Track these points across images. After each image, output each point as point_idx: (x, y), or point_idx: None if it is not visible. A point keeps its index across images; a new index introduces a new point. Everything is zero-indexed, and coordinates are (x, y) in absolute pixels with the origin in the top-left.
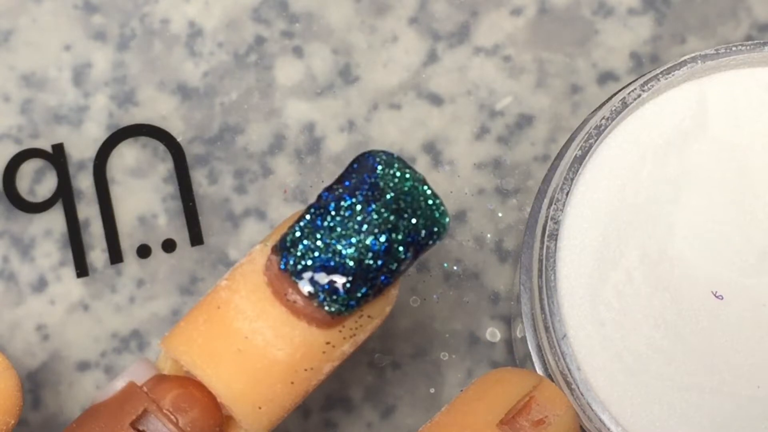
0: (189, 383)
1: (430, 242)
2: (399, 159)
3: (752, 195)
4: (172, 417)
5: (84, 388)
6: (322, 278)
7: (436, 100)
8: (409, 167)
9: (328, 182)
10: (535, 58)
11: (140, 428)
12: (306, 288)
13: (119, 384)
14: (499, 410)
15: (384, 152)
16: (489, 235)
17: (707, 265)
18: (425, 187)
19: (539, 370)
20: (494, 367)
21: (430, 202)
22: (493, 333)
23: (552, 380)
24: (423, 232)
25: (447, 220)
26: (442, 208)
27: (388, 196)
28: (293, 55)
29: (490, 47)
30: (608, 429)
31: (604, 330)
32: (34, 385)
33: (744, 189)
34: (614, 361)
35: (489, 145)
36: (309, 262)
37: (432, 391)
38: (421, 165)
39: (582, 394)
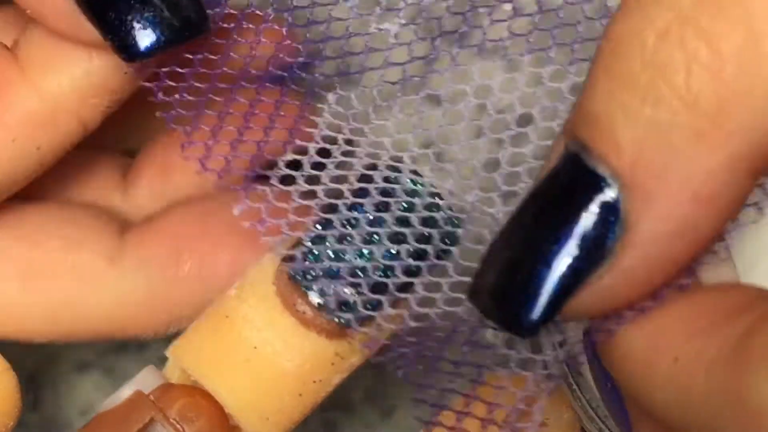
0: (196, 392)
1: (441, 253)
2: (412, 170)
3: None
4: (178, 426)
5: (83, 389)
6: (333, 289)
7: (436, 100)
8: (421, 177)
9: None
10: (535, 58)
11: None
12: (316, 299)
13: (126, 392)
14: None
15: (396, 161)
16: (489, 236)
17: None
18: (437, 198)
19: None
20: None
21: (443, 213)
22: (494, 333)
23: None
24: (434, 243)
25: (459, 231)
26: (454, 219)
27: (399, 207)
28: None
29: (490, 47)
30: (609, 429)
31: None
32: (33, 385)
33: None
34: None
35: (489, 145)
36: (319, 273)
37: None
38: (421, 165)
39: (582, 395)
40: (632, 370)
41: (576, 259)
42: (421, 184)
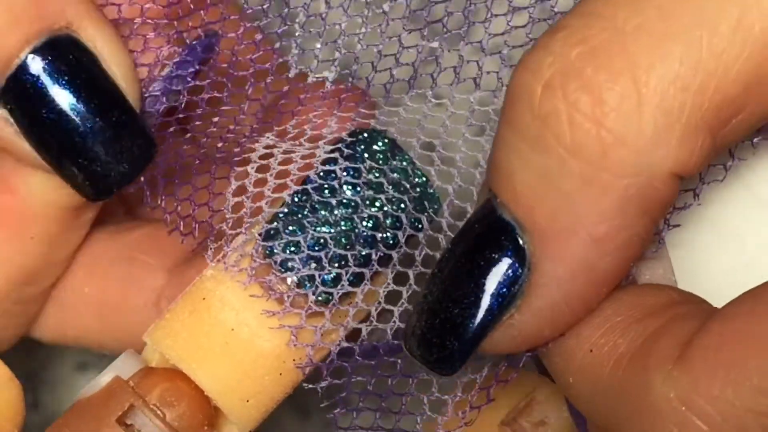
0: (177, 376)
1: (421, 225)
2: (384, 137)
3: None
4: (159, 412)
5: (82, 389)
6: (308, 266)
7: (436, 100)
8: (397, 146)
9: None
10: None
11: (128, 422)
12: (291, 277)
13: (105, 378)
14: (500, 411)
15: (370, 131)
16: None
17: None
18: (413, 166)
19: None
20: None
21: (419, 181)
22: None
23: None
24: (413, 214)
25: (438, 200)
26: (433, 188)
27: (373, 177)
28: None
29: (490, 47)
30: None
31: None
32: (33, 385)
33: (743, 186)
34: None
35: (489, 144)
36: (293, 249)
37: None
38: (421, 165)
39: None
40: (555, 356)
41: (489, 301)
42: (399, 153)
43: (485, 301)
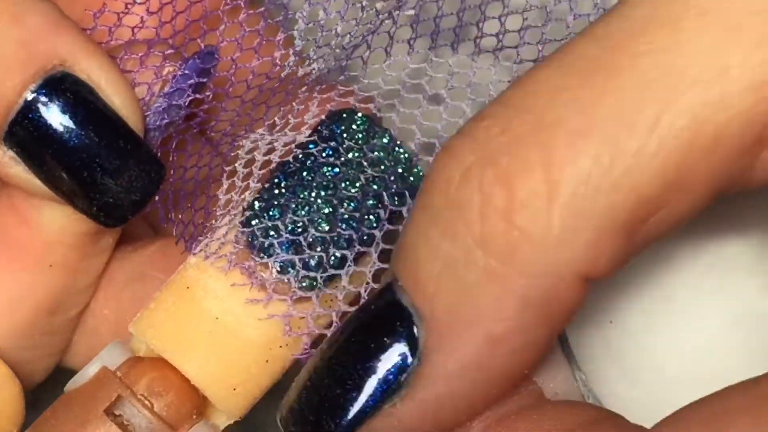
0: (164, 365)
1: (406, 204)
2: (363, 115)
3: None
4: (146, 402)
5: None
6: (290, 252)
7: (436, 100)
8: (376, 123)
9: None
10: (535, 58)
11: (116, 413)
12: (275, 264)
13: (92, 369)
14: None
15: (348, 110)
16: None
17: None
18: (394, 144)
19: None
20: None
21: (403, 158)
22: None
23: None
24: (396, 194)
25: (422, 176)
26: (418, 167)
27: (353, 156)
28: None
29: (490, 47)
30: None
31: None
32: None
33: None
34: (614, 361)
35: None
36: (273, 234)
37: None
38: (421, 165)
39: (582, 396)
40: None
41: (373, 386)
42: (380, 132)
43: (369, 386)
